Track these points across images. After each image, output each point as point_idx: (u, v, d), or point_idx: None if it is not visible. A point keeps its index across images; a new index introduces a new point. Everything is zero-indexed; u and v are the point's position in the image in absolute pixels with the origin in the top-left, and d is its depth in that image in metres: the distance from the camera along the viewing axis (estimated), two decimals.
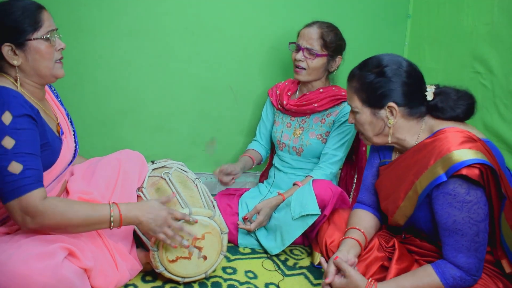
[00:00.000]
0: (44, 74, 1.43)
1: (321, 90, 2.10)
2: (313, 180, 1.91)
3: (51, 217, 1.31)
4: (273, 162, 2.30)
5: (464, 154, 1.33)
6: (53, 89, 1.68)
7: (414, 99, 1.49)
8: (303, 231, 1.82)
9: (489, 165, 1.33)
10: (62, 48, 1.46)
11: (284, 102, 2.16)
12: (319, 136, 2.10)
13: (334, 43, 2.04)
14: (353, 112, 1.56)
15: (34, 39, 1.37)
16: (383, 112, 1.49)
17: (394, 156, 1.65)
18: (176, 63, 2.35)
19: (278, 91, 2.23)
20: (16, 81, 1.40)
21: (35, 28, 1.37)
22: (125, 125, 2.36)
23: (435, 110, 1.50)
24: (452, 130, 1.42)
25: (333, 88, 2.11)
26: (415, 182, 1.45)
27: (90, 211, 1.37)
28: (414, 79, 1.48)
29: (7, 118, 1.28)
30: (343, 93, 2.07)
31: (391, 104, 1.47)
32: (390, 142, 1.54)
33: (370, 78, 1.48)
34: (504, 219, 1.40)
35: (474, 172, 1.32)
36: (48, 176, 1.47)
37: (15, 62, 1.38)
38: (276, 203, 1.96)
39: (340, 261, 1.46)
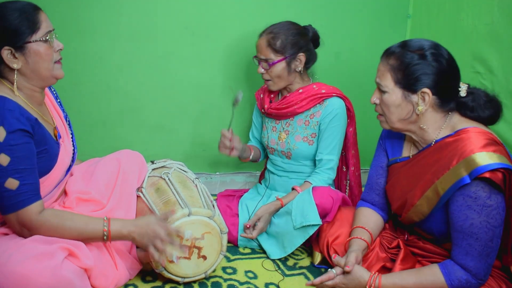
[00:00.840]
0: (44, 76, 1.42)
1: (300, 91, 2.04)
2: (313, 187, 1.89)
3: (46, 231, 1.36)
4: (267, 165, 2.28)
5: (488, 157, 1.31)
6: (52, 89, 1.67)
7: (448, 91, 1.44)
8: (304, 240, 1.81)
9: None
10: (61, 49, 1.46)
11: (265, 106, 2.12)
12: (305, 139, 2.06)
13: (285, 45, 1.95)
14: (380, 91, 1.49)
15: (33, 41, 1.36)
16: (415, 97, 1.43)
17: (406, 151, 1.61)
18: (176, 63, 2.35)
19: (262, 95, 2.20)
20: (13, 85, 1.39)
21: (33, 30, 1.36)
22: (125, 125, 2.36)
23: (464, 108, 1.46)
24: (475, 130, 1.39)
25: (314, 87, 2.04)
26: (434, 181, 1.42)
27: (83, 227, 1.40)
28: (453, 71, 1.44)
29: (1, 134, 1.29)
30: (323, 90, 2.01)
31: (426, 90, 1.41)
32: (412, 130, 1.50)
33: (410, 58, 1.42)
34: None
35: (497, 176, 1.30)
36: (47, 182, 1.47)
37: (15, 66, 1.37)
38: (274, 209, 1.95)
39: (338, 259, 1.47)
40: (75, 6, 2.13)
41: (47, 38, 1.39)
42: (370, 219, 1.68)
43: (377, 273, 1.45)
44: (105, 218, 1.43)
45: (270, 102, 2.14)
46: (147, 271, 1.68)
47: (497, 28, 2.08)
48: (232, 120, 1.98)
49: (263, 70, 2.01)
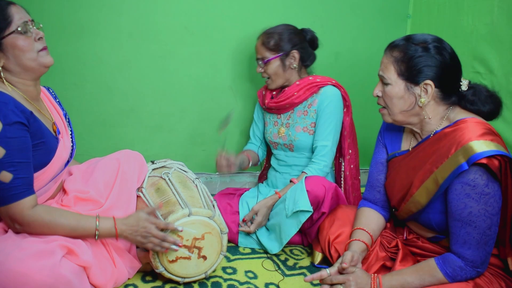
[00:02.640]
0: (30, 67, 1.41)
1: (297, 83, 2.11)
2: (306, 177, 1.92)
3: (37, 228, 1.36)
4: (270, 162, 2.31)
5: (485, 145, 1.33)
6: (51, 91, 1.68)
7: (450, 85, 1.46)
8: (298, 229, 1.82)
9: (510, 157, 1.33)
10: (41, 37, 1.43)
11: (266, 101, 2.18)
12: (305, 129, 2.10)
13: (278, 43, 2.05)
14: (383, 83, 1.51)
15: (7, 35, 1.36)
16: (417, 89, 1.45)
17: (405, 144, 1.63)
18: (176, 63, 2.35)
19: (264, 92, 2.25)
20: (3, 82, 1.40)
21: (6, 25, 1.35)
22: (125, 125, 2.36)
23: (464, 100, 1.48)
24: (473, 120, 1.41)
25: (309, 78, 2.11)
26: (433, 171, 1.43)
27: (74, 224, 1.41)
28: (455, 64, 1.45)
29: None
30: (318, 79, 2.07)
31: (428, 81, 1.42)
32: (413, 122, 1.51)
33: (414, 51, 1.44)
34: None
35: (494, 163, 1.32)
36: (43, 175, 1.47)
37: None
38: (272, 203, 1.97)
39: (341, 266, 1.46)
40: (75, 6, 2.13)
41: (20, 29, 1.37)
42: (371, 220, 1.68)
43: (376, 275, 1.45)
44: (97, 217, 1.45)
45: (272, 98, 2.19)
46: (147, 271, 1.68)
47: (497, 28, 2.08)
48: (225, 141, 2.03)
49: (260, 69, 2.11)
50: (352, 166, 2.18)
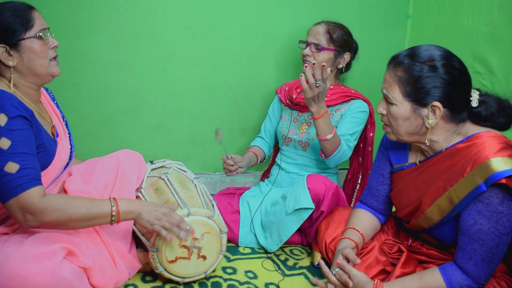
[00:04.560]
0: (40, 73, 1.44)
1: (331, 87, 2.12)
2: (308, 174, 1.92)
3: (51, 213, 1.31)
4: (276, 159, 2.30)
5: (504, 163, 1.26)
6: (49, 91, 1.68)
7: (460, 103, 1.37)
8: (298, 226, 1.82)
9: None
10: (56, 46, 1.48)
11: (294, 96, 2.18)
12: None
13: (340, 38, 2.07)
14: (388, 103, 1.42)
15: (27, 38, 1.39)
16: (425, 111, 1.36)
17: (412, 157, 1.57)
18: (176, 63, 2.35)
19: (287, 88, 2.26)
20: (10, 82, 1.42)
21: (27, 28, 1.39)
22: (125, 125, 2.36)
23: (477, 118, 1.40)
24: (487, 135, 1.34)
25: (342, 87, 2.13)
26: (447, 189, 1.37)
27: (90, 205, 1.37)
28: (464, 81, 1.37)
29: (2, 119, 1.30)
30: (353, 91, 2.10)
31: (436, 103, 1.34)
32: (421, 141, 1.44)
33: (420, 71, 1.34)
34: None
35: None
36: (44, 178, 1.47)
37: (10, 63, 1.39)
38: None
39: (344, 264, 1.41)
40: (75, 6, 2.13)
41: (41, 35, 1.41)
42: (363, 220, 1.67)
43: (379, 281, 1.40)
44: (111, 199, 1.42)
45: (299, 93, 2.18)
46: (147, 271, 1.68)
47: (497, 28, 2.08)
48: (225, 147, 2.02)
49: (310, 52, 2.07)
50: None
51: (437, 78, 1.33)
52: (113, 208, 1.40)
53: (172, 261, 1.56)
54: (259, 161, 2.26)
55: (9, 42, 1.38)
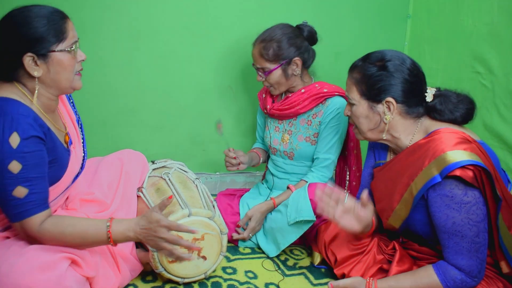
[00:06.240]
0: (63, 86, 1.38)
1: (302, 91, 2.02)
2: (309, 184, 1.88)
3: (49, 241, 1.32)
4: (268, 166, 2.27)
5: (458, 155, 1.32)
6: None
7: (413, 98, 1.47)
8: (298, 236, 1.82)
9: (483, 166, 1.32)
10: (83, 60, 1.41)
11: (268, 107, 2.11)
12: (308, 139, 2.05)
13: (277, 53, 1.92)
14: (350, 103, 1.55)
15: (57, 50, 1.31)
16: (381, 107, 1.48)
17: (389, 157, 1.63)
18: (176, 63, 2.35)
19: (264, 95, 2.19)
20: (32, 92, 1.34)
21: (60, 40, 1.32)
22: (125, 125, 2.36)
23: (433, 112, 1.48)
24: (446, 130, 1.41)
25: (316, 86, 2.01)
26: (410, 184, 1.43)
27: (84, 232, 1.34)
28: (415, 78, 1.46)
29: (15, 140, 1.24)
30: (325, 89, 1.99)
31: (389, 99, 1.45)
32: (384, 138, 1.53)
33: (371, 71, 1.47)
34: (502, 220, 1.39)
35: (467, 174, 1.31)
36: (54, 191, 1.43)
37: (35, 73, 1.30)
38: (266, 208, 1.96)
39: (335, 284, 1.44)
40: (76, 6, 2.12)
41: (72, 48, 1.35)
42: None
43: (371, 278, 1.46)
44: (107, 224, 1.36)
45: (273, 102, 2.13)
46: (147, 271, 1.68)
47: (497, 28, 2.08)
48: (227, 140, 2.00)
49: (261, 78, 2.00)
50: (358, 174, 2.15)
51: (388, 76, 1.45)
52: (109, 233, 1.35)
53: (172, 261, 1.56)
54: (261, 161, 2.25)
55: (38, 52, 1.29)
